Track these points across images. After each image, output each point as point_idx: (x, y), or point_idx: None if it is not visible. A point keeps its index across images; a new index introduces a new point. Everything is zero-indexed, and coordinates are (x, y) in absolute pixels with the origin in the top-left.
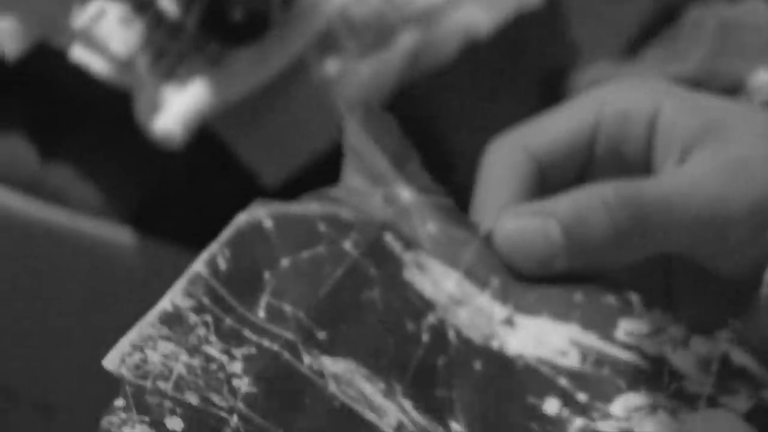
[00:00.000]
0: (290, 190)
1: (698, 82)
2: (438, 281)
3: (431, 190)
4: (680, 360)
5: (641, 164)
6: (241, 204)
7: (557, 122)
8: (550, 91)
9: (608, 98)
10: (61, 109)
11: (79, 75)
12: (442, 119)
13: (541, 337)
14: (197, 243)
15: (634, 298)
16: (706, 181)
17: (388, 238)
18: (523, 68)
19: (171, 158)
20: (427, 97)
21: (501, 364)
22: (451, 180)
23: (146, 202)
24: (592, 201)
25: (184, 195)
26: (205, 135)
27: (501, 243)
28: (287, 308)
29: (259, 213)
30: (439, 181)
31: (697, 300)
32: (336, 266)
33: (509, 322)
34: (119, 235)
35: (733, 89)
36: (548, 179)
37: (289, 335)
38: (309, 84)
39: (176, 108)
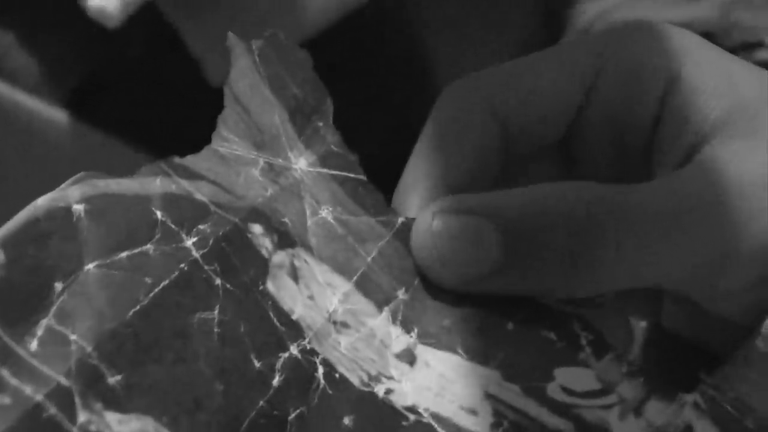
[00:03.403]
0: None
1: (711, 33)
2: (317, 295)
3: (339, 158)
4: None
5: (642, 143)
6: (192, 104)
7: (538, 72)
8: (554, 22)
9: (613, 47)
10: None
11: None
12: (426, 26)
13: (446, 385)
14: (138, 136)
15: (584, 337)
16: (714, 199)
17: (256, 230)
18: None
19: (118, 42)
20: (416, 5)
21: (382, 420)
22: (427, 102)
23: (88, 84)
24: (553, 204)
25: (130, 84)
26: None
27: (418, 244)
28: (72, 337)
29: (70, 194)
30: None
31: (686, 323)
32: (165, 272)
33: (408, 356)
34: (55, 115)
35: (750, 46)
36: (515, 150)
37: (62, 380)
38: None
39: None
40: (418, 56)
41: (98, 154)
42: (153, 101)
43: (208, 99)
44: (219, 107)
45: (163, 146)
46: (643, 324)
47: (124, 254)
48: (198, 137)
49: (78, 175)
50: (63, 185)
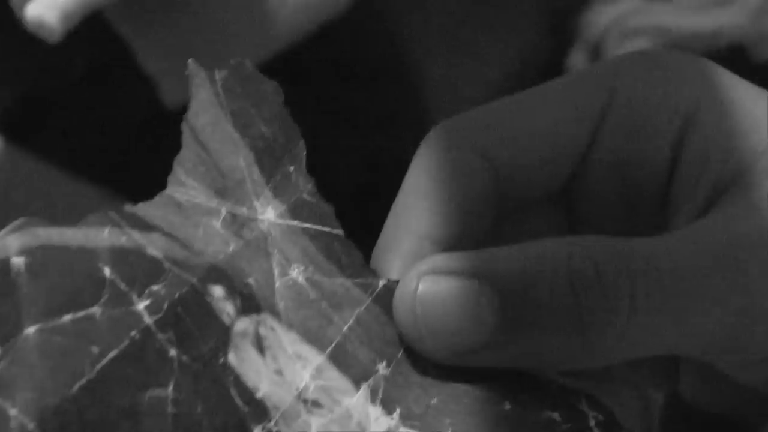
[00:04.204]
0: None
1: (740, 46)
2: (285, 369)
3: (312, 208)
4: None
5: (655, 191)
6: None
7: (537, 111)
8: (561, 28)
9: (624, 79)
10: None
11: None
12: (416, 41)
13: None
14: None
15: (593, 417)
16: (743, 254)
17: (216, 292)
18: None
19: (59, 59)
20: (400, 12)
21: None
22: (420, 127)
23: (24, 107)
24: (557, 263)
25: (73, 107)
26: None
27: (401, 311)
28: (12, 412)
29: (8, 244)
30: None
31: (709, 394)
32: (113, 341)
33: None
34: None
35: None
36: (511, 200)
37: None
38: None
39: None
40: (403, 73)
41: (35, 189)
42: (99, 128)
43: (163, 126)
44: (176, 137)
45: (110, 180)
46: (659, 398)
47: (67, 317)
48: (151, 171)
49: (17, 222)
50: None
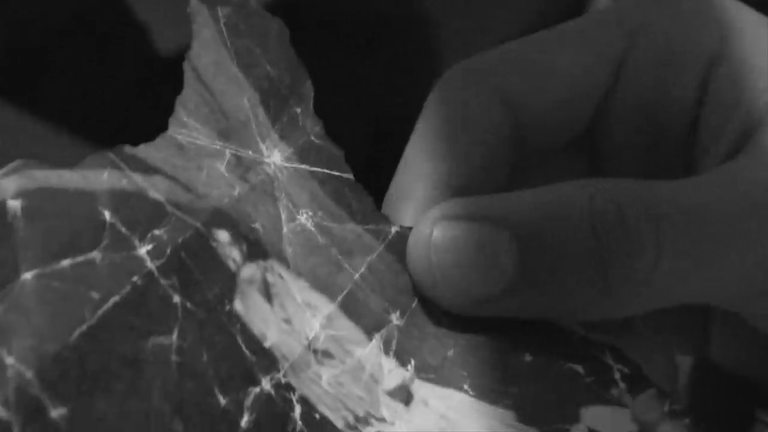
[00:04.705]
0: None
1: None
2: (294, 317)
3: (321, 151)
4: None
5: (681, 132)
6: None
7: (557, 51)
8: None
9: (645, 20)
10: None
11: None
12: None
13: (448, 428)
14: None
15: (618, 370)
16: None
17: (221, 237)
18: None
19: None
20: None
21: None
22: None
23: (10, 54)
24: (578, 206)
25: (63, 55)
26: None
27: (415, 259)
28: (9, 360)
29: (4, 186)
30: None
31: (739, 354)
32: (114, 286)
33: (403, 394)
34: None
35: None
36: (531, 144)
37: (0, 411)
38: None
39: None
40: (409, 32)
41: (29, 139)
42: (91, 82)
43: (161, 73)
44: (175, 84)
45: (107, 130)
46: (686, 360)
47: (66, 262)
48: (150, 120)
49: (13, 164)
50: None
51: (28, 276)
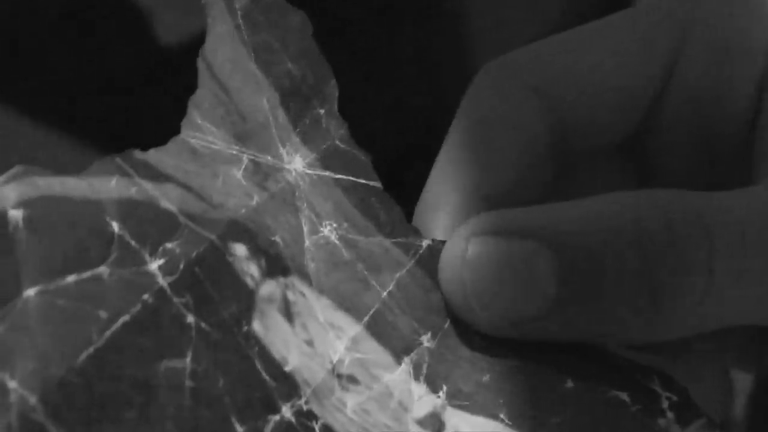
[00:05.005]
0: None
1: None
2: (317, 339)
3: (346, 157)
4: None
5: (738, 138)
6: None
7: (603, 47)
8: None
9: (700, 12)
10: None
11: None
12: None
13: None
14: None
15: (666, 398)
16: None
17: (239, 251)
18: None
19: None
20: None
21: None
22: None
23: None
24: (625, 220)
25: (53, 47)
26: None
27: (448, 276)
28: (11, 385)
29: (4, 194)
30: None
31: None
32: (123, 305)
33: (435, 423)
34: None
35: None
36: (573, 150)
37: None
38: None
39: None
40: (448, 11)
41: (25, 142)
42: (88, 72)
43: (169, 70)
44: (185, 80)
45: (109, 133)
46: (746, 381)
47: (71, 278)
48: (159, 124)
49: (13, 170)
50: None
51: (30, 293)
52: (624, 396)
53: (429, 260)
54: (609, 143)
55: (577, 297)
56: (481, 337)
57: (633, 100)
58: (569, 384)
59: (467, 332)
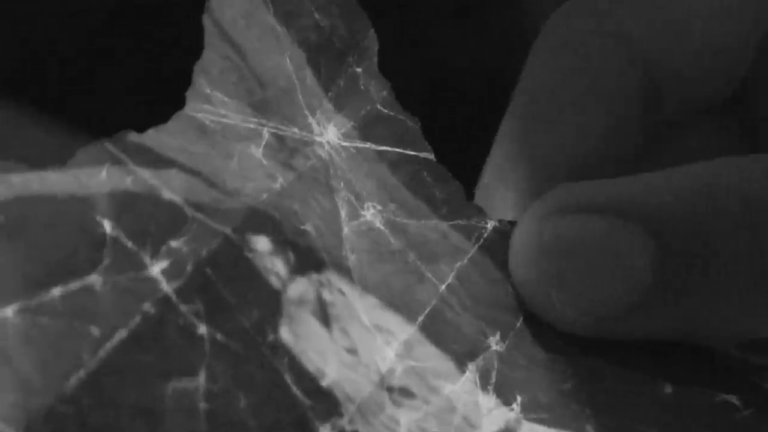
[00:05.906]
0: None
1: None
2: (362, 346)
3: (390, 124)
4: None
5: None
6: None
7: None
8: None
9: None
10: None
11: None
12: None
13: None
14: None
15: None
16: None
17: (260, 245)
18: None
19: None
20: None
21: None
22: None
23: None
24: (731, 193)
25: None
26: None
27: (520, 264)
28: None
29: None
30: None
31: None
32: (120, 318)
33: None
34: None
35: None
36: (666, 112)
37: None
38: None
39: None
40: None
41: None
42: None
43: (169, 31)
44: (191, 47)
45: (102, 110)
46: None
47: (57, 291)
48: (158, 95)
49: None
50: None
51: (8, 312)
52: (733, 399)
53: (496, 245)
54: (707, 102)
55: (679, 283)
56: (560, 336)
57: (733, 58)
58: (668, 389)
59: (544, 332)
